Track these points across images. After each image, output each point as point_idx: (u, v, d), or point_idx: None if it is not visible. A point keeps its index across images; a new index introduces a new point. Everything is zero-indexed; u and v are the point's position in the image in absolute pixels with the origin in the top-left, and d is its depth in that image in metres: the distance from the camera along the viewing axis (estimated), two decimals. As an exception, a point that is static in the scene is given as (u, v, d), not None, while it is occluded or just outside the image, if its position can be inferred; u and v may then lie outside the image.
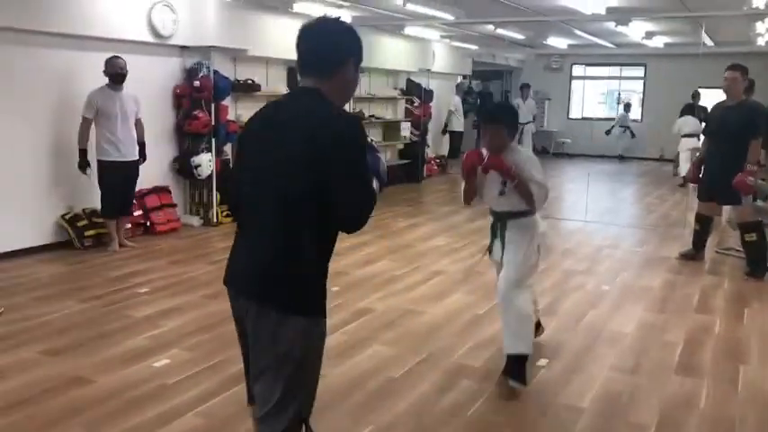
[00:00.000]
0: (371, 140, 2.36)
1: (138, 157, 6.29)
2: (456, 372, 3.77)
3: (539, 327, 4.14)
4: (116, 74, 6.01)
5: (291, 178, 1.94)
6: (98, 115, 5.97)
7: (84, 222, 6.30)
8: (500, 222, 3.74)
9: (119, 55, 6.06)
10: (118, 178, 6.14)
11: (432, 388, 3.56)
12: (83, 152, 6.02)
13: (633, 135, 15.24)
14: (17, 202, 5.96)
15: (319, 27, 2.10)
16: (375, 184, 2.10)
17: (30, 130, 5.92)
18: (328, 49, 2.10)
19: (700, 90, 12.19)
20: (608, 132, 15.26)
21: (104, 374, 3.60)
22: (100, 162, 6.08)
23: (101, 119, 5.98)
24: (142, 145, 6.34)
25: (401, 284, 5.45)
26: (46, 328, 4.30)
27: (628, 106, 15.53)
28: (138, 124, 6.29)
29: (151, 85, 7.07)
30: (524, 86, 14.19)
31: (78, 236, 6.21)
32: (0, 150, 5.80)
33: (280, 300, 1.96)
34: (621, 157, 15.50)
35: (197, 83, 7.29)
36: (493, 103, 3.57)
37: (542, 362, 3.92)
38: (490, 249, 3.86)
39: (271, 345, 1.98)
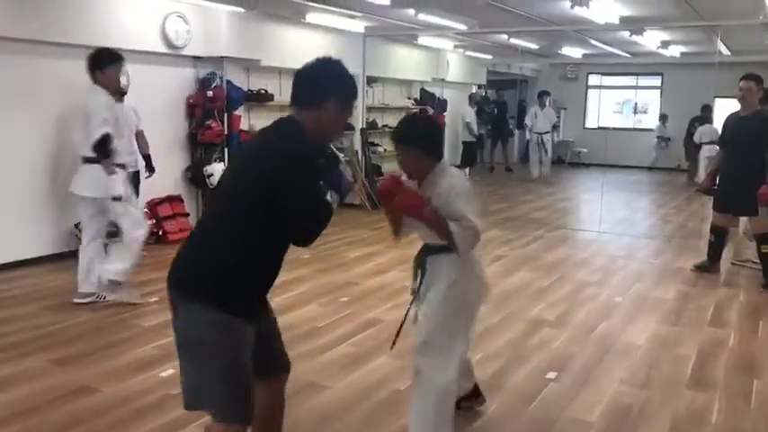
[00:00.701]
0: (342, 157, 2.32)
1: (138, 168, 6.18)
2: (463, 384, 3.72)
3: (478, 395, 3.38)
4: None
5: (238, 190, 2.19)
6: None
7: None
8: (422, 257, 3.03)
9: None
10: None
11: (438, 400, 3.51)
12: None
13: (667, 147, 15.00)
14: (31, 212, 6.02)
15: (311, 64, 2.28)
16: (333, 197, 2.27)
17: (45, 140, 5.96)
18: (310, 85, 2.26)
19: (716, 99, 12.11)
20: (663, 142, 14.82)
21: (110, 384, 3.60)
22: None
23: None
24: (148, 157, 6.28)
25: (410, 295, 5.40)
26: (55, 337, 4.31)
27: (664, 117, 14.96)
28: (141, 136, 6.24)
29: (165, 95, 7.13)
30: (542, 94, 13.50)
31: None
32: (16, 160, 5.86)
33: (194, 289, 2.15)
34: (650, 168, 15.23)
35: (210, 93, 7.33)
36: (406, 119, 3.05)
37: (551, 374, 3.87)
38: (413, 292, 3.08)
39: (185, 329, 2.18)
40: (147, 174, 6.36)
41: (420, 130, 2.91)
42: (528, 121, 13.16)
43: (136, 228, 4.93)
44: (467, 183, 2.86)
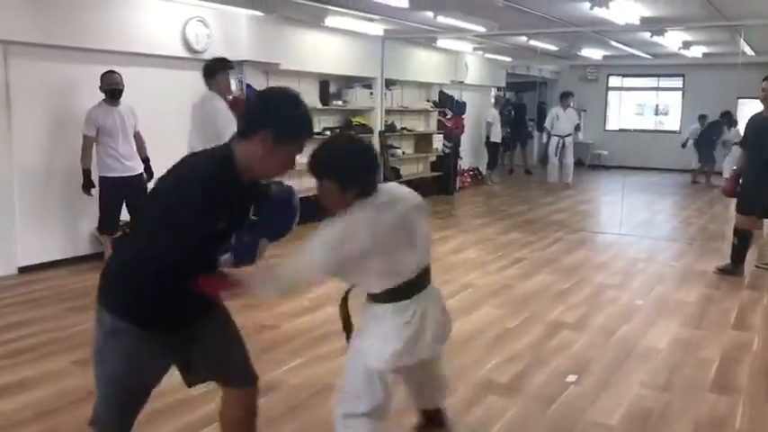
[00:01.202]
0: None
1: (140, 172, 6.07)
2: (483, 387, 3.71)
3: (435, 424, 3.17)
4: (113, 90, 5.83)
5: (146, 208, 2.31)
6: (99, 132, 5.81)
7: (119, 234, 6.39)
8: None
9: (114, 69, 5.90)
10: (120, 194, 5.96)
11: (458, 403, 3.51)
12: (87, 172, 5.84)
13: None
14: (54, 215, 6.11)
15: (260, 91, 2.25)
16: (227, 257, 2.24)
17: (70, 144, 6.03)
18: (247, 112, 2.21)
19: (739, 100, 11.97)
20: (684, 145, 14.54)
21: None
22: (103, 178, 5.90)
23: (101, 136, 5.81)
24: (147, 160, 6.15)
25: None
26: (76, 338, 4.36)
27: (703, 118, 14.00)
28: (138, 137, 6.10)
29: (185, 98, 7.12)
30: (565, 95, 12.76)
31: (115, 248, 6.31)
32: (40, 163, 5.96)
33: (103, 294, 2.22)
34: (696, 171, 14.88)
35: (230, 97, 7.36)
36: (322, 145, 2.44)
37: (571, 377, 3.84)
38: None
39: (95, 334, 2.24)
40: (146, 178, 6.17)
41: (329, 160, 2.41)
42: (548, 123, 12.60)
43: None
44: (343, 228, 2.35)
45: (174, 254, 2.06)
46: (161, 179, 2.18)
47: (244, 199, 2.19)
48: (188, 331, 2.26)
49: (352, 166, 2.39)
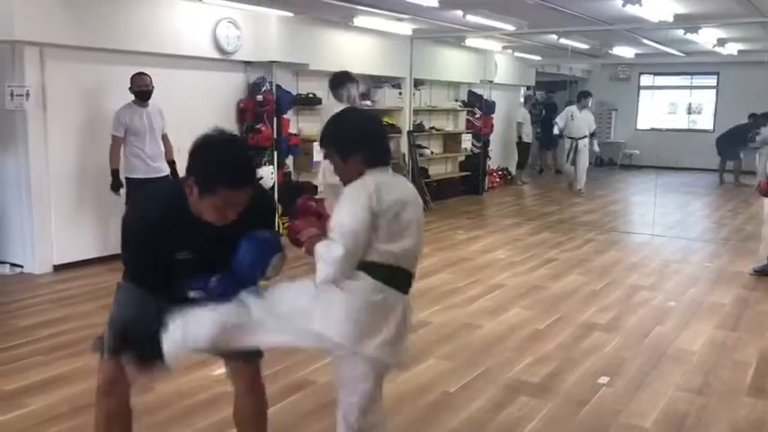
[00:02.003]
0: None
1: (167, 173, 6.07)
2: (513, 388, 3.69)
3: None
4: (142, 91, 5.88)
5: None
6: (127, 133, 5.86)
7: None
8: None
9: (144, 71, 5.96)
10: None
11: (488, 403, 3.49)
12: (115, 173, 5.88)
13: None
14: (90, 214, 6.20)
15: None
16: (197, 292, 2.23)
17: (99, 145, 6.10)
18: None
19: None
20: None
21: (163, 382, 3.67)
22: (129, 180, 5.93)
23: (129, 136, 5.87)
24: (172, 163, 6.14)
25: (459, 297, 5.39)
26: (111, 335, 4.42)
27: (754, 117, 13.23)
28: (165, 140, 6.12)
29: (216, 99, 7.26)
30: (583, 95, 12.04)
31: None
32: (76, 162, 6.06)
33: None
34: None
35: (260, 97, 7.43)
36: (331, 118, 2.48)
37: (603, 379, 3.80)
38: None
39: None
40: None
41: (330, 129, 2.39)
42: (560, 122, 11.76)
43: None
44: (361, 191, 2.22)
45: (138, 275, 2.28)
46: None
47: (217, 230, 2.14)
48: None
49: (352, 133, 2.33)
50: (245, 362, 2.48)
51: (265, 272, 2.24)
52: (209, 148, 2.11)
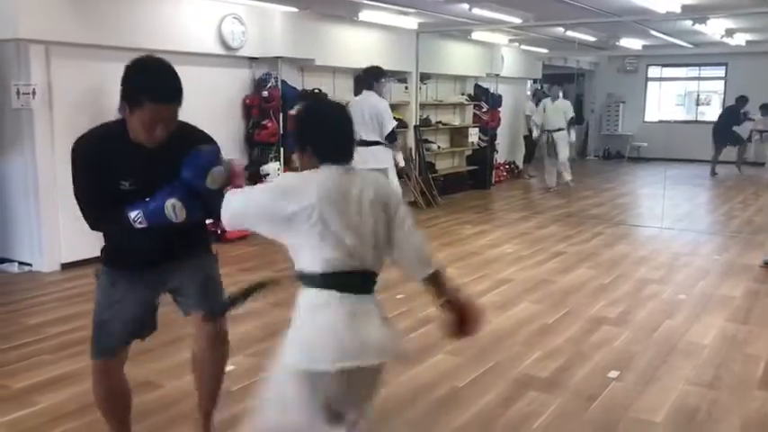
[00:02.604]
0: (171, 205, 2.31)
1: None
2: (522, 382, 3.67)
3: None
4: None
5: None
6: None
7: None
8: None
9: None
10: None
11: (497, 399, 3.48)
12: None
13: None
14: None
15: None
16: (137, 214, 2.36)
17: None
18: None
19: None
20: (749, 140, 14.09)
21: (172, 379, 3.68)
22: None
23: None
24: None
25: (467, 292, 5.35)
26: (119, 332, 4.43)
27: (766, 107, 13.19)
28: None
29: (222, 96, 7.26)
30: (555, 84, 11.64)
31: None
32: (79, 161, 6.06)
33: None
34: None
35: (266, 93, 7.42)
36: None
37: (613, 373, 3.78)
38: None
39: None
40: None
41: (294, 119, 2.35)
42: (536, 118, 11.42)
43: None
44: (280, 180, 2.31)
45: (92, 212, 2.45)
46: None
47: (158, 161, 2.32)
48: (168, 266, 2.61)
49: (307, 126, 2.22)
50: (203, 315, 2.69)
51: (205, 182, 2.30)
52: (136, 67, 2.32)
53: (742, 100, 13.00)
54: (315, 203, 2.03)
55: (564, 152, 11.07)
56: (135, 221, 2.32)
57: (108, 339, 2.58)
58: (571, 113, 11.23)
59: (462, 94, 11.65)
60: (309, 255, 2.08)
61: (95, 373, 2.64)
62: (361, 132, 5.92)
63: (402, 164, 6.88)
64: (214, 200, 2.25)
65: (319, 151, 2.15)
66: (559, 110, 11.12)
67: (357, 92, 9.07)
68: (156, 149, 2.33)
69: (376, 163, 6.19)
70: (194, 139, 2.48)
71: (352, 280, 2.11)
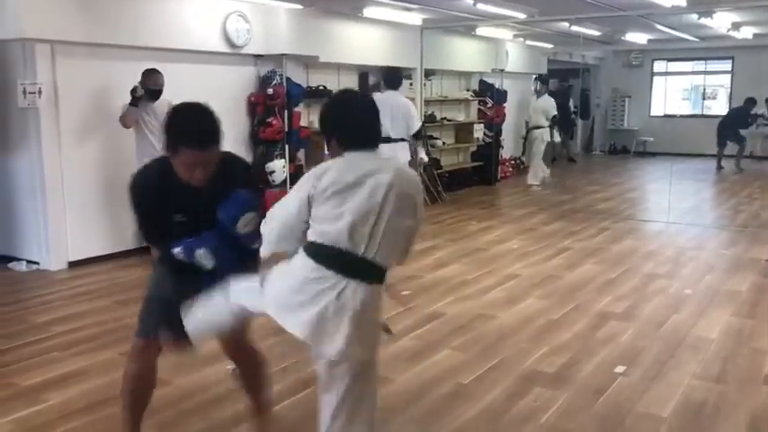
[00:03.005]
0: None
1: None
2: (528, 378, 3.67)
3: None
4: (154, 90, 5.88)
5: None
6: (136, 131, 5.87)
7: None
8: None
9: (156, 68, 5.96)
10: None
11: (503, 394, 3.48)
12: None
13: None
14: (103, 210, 6.23)
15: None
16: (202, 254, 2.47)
17: (111, 141, 6.13)
18: None
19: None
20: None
21: (180, 376, 3.69)
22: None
23: (139, 134, 5.88)
24: None
25: (473, 288, 5.37)
26: (126, 330, 4.41)
27: None
28: None
29: (227, 93, 7.26)
30: (537, 80, 11.31)
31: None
32: (85, 161, 6.09)
33: None
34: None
35: (270, 90, 7.43)
36: None
37: (620, 368, 3.77)
38: None
39: None
40: None
41: (322, 110, 2.43)
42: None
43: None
44: (309, 177, 2.26)
45: (144, 232, 2.63)
46: None
47: (204, 197, 2.42)
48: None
49: (332, 116, 2.37)
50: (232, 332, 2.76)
51: (236, 228, 2.41)
52: (175, 113, 2.44)
53: (750, 102, 12.83)
54: (328, 185, 2.19)
55: (538, 152, 10.67)
56: (177, 256, 2.48)
57: (153, 318, 2.66)
58: (553, 112, 10.78)
59: (467, 90, 11.63)
60: (317, 227, 2.23)
61: (134, 354, 2.71)
62: (389, 130, 6.16)
63: (426, 159, 7.26)
64: (249, 240, 2.43)
65: (344, 139, 2.31)
66: (539, 108, 10.84)
67: (360, 87, 9.11)
68: (202, 186, 2.43)
69: (403, 157, 6.85)
70: (236, 170, 2.62)
71: (344, 260, 2.19)
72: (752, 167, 13.15)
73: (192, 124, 2.40)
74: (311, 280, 2.19)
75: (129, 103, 5.85)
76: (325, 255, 2.20)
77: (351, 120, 2.35)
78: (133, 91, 5.83)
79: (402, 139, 6.45)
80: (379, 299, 2.31)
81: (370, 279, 2.24)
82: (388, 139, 6.16)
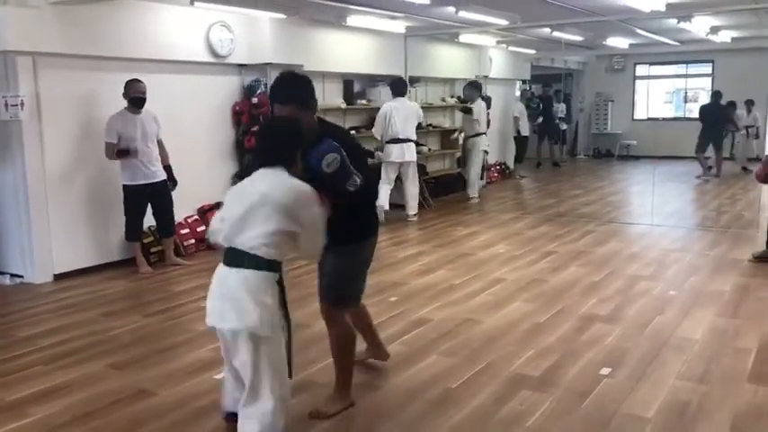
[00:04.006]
0: None
1: (164, 178, 6.16)
2: (515, 382, 3.69)
3: None
4: (138, 98, 5.91)
5: None
6: (120, 140, 5.87)
7: (150, 239, 6.48)
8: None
9: (138, 78, 5.99)
10: (144, 201, 6.10)
11: (490, 398, 3.49)
12: (110, 147, 5.87)
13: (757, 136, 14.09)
14: (88, 221, 6.21)
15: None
16: None
17: (95, 153, 6.09)
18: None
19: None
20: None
21: (167, 387, 3.68)
22: (126, 187, 5.99)
23: (123, 144, 5.89)
24: (169, 168, 6.22)
25: (459, 293, 5.39)
26: (112, 342, 4.44)
27: (750, 103, 13.31)
28: (160, 145, 6.16)
29: (211, 103, 7.27)
30: (471, 83, 10.43)
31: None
32: (70, 172, 6.06)
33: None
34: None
35: (255, 99, 7.44)
36: None
37: (605, 370, 3.80)
38: None
39: None
40: (171, 185, 6.27)
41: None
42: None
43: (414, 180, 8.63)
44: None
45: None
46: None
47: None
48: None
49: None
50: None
51: (321, 165, 2.87)
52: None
53: (717, 95, 12.79)
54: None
55: (473, 163, 10.10)
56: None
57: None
58: (484, 118, 10.12)
59: (452, 97, 11.68)
60: None
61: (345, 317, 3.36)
62: (407, 131, 8.13)
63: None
64: (339, 179, 2.95)
65: (257, 158, 2.98)
66: (469, 116, 10.13)
67: (345, 95, 9.15)
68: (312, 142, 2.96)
69: (411, 156, 8.39)
70: (329, 132, 3.14)
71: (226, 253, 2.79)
72: (734, 169, 13.29)
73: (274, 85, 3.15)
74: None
75: (117, 155, 5.92)
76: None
77: (258, 141, 3.22)
78: (125, 152, 5.91)
79: (410, 140, 7.78)
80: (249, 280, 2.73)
81: (237, 263, 2.75)
82: (408, 140, 7.50)
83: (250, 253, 2.68)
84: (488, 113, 11.73)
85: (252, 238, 2.68)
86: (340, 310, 3.34)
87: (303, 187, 2.76)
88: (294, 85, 3.09)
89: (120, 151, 5.90)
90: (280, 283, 2.78)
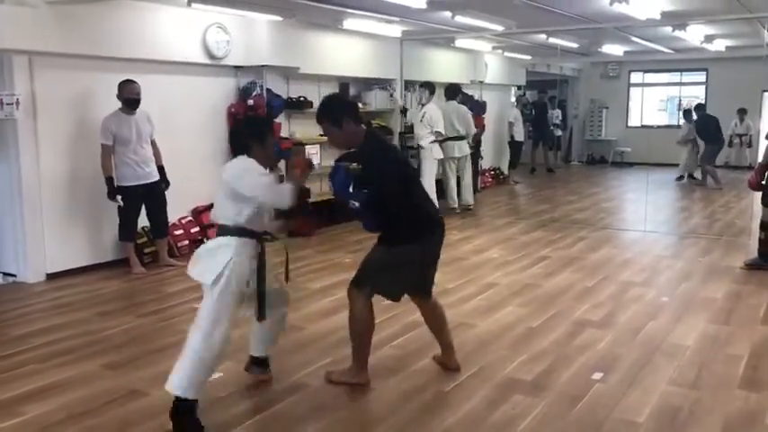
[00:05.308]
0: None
1: (158, 178, 6.18)
2: (507, 386, 3.70)
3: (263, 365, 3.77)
4: (132, 99, 5.93)
5: None
6: (114, 141, 5.89)
7: (144, 240, 6.47)
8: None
9: (133, 78, 6.00)
10: (139, 202, 6.10)
11: (482, 402, 3.51)
12: (109, 180, 5.89)
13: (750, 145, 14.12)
14: (83, 221, 6.20)
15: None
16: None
17: (90, 152, 6.09)
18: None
19: (765, 93, 11.69)
20: (730, 144, 14.00)
21: (160, 387, 3.65)
22: (119, 188, 5.99)
23: (117, 145, 5.90)
24: (162, 168, 6.23)
25: (453, 297, 5.40)
26: (106, 342, 4.43)
27: (743, 112, 13.35)
28: (154, 146, 6.17)
29: (207, 105, 7.27)
30: (424, 85, 9.22)
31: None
32: (64, 172, 6.05)
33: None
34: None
35: (251, 101, 7.43)
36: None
37: (597, 375, 3.82)
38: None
39: None
40: (164, 186, 6.28)
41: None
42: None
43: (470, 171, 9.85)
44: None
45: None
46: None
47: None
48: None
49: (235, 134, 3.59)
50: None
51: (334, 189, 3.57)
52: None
53: (703, 108, 12.80)
54: None
55: (427, 171, 8.91)
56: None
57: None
58: (441, 124, 8.94)
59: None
60: None
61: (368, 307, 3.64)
62: (457, 129, 9.38)
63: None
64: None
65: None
66: (422, 120, 8.95)
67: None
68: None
69: (460, 152, 9.47)
70: (366, 145, 3.60)
71: None
72: (727, 177, 13.35)
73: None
74: None
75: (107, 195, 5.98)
76: None
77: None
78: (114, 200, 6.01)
79: (463, 137, 9.33)
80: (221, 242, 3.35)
81: (222, 232, 3.40)
82: (458, 138, 9.16)
83: (219, 222, 3.33)
84: (483, 118, 11.74)
85: (218, 211, 3.35)
86: (360, 292, 3.61)
87: (245, 163, 3.26)
88: (326, 106, 3.64)
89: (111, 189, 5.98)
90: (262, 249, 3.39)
